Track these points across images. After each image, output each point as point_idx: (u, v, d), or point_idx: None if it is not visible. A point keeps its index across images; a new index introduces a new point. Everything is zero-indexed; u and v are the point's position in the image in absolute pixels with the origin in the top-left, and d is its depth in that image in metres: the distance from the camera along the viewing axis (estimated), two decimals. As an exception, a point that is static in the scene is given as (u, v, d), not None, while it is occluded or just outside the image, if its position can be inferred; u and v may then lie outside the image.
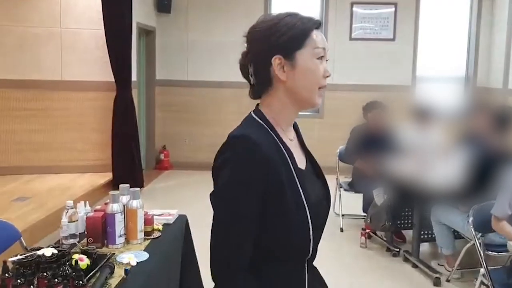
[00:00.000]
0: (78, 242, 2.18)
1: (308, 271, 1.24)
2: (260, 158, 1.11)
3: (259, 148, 1.11)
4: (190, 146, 7.10)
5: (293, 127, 1.30)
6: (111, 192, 2.17)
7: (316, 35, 1.20)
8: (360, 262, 3.99)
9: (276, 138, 1.19)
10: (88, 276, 1.76)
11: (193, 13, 6.92)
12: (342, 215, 4.81)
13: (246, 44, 1.24)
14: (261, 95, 1.25)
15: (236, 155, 1.12)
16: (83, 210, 2.31)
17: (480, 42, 6.99)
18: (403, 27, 6.93)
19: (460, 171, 3.42)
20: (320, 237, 1.25)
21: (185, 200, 5.36)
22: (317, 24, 1.21)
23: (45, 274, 1.63)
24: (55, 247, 1.96)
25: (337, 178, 4.94)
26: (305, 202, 1.16)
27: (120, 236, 2.16)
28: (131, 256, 2.00)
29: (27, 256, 1.86)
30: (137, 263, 1.98)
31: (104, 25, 5.26)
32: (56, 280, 1.57)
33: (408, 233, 4.28)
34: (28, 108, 5.62)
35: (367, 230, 4.33)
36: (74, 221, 2.19)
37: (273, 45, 1.17)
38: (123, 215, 2.16)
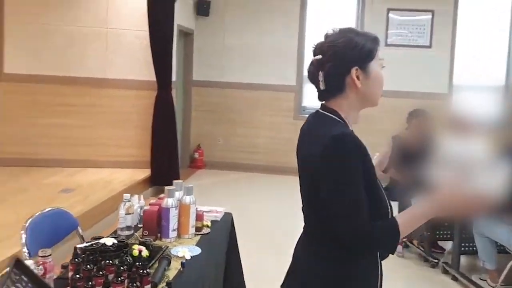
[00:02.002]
0: (133, 234, 2.32)
1: None
2: (359, 148, 1.36)
3: (357, 141, 1.36)
4: (224, 146, 7.24)
5: None
6: (167, 188, 2.29)
7: (379, 49, 1.47)
8: (397, 271, 3.97)
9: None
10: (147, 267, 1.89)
11: (230, 16, 7.06)
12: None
13: (319, 55, 1.44)
14: (329, 99, 1.46)
15: (343, 148, 1.34)
16: (137, 203, 2.45)
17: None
18: (440, 34, 6.90)
19: (505, 181, 3.40)
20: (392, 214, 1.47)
21: (218, 199, 5.49)
22: (379, 41, 1.48)
23: (110, 261, 1.76)
24: (114, 237, 2.10)
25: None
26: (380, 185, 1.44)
27: (173, 230, 2.28)
28: (185, 250, 2.12)
29: (92, 244, 2.00)
30: (191, 257, 2.10)
31: (149, 27, 5.44)
32: (122, 267, 1.70)
33: (446, 244, 4.26)
34: (73, 104, 5.86)
35: (404, 239, 4.31)
36: (130, 214, 2.33)
37: (352, 59, 1.41)
38: (177, 210, 2.29)
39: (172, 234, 2.28)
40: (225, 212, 2.72)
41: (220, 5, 7.08)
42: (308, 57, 6.88)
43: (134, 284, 1.63)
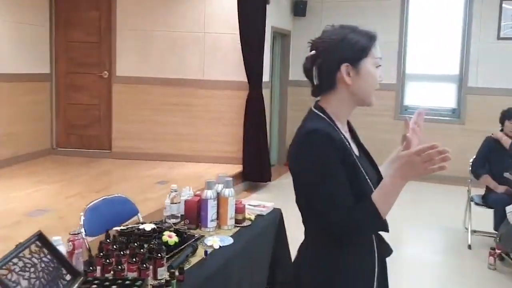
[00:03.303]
0: (179, 222, 2.48)
1: (375, 235, 1.46)
2: (332, 141, 1.35)
3: (330, 135, 1.36)
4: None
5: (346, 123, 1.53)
6: (207, 180, 2.42)
7: (375, 47, 1.44)
8: (488, 285, 3.66)
9: (336, 128, 1.43)
10: (172, 252, 2.03)
11: (327, 16, 7.01)
12: (472, 231, 4.46)
13: (312, 50, 1.45)
14: (322, 94, 1.47)
15: (314, 143, 1.35)
16: (187, 194, 2.61)
17: None
18: None
19: None
20: None
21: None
22: (375, 38, 1.45)
23: (136, 244, 1.93)
24: (156, 224, 2.29)
25: (468, 190, 4.60)
26: (368, 178, 1.41)
27: (212, 220, 2.40)
28: (216, 239, 2.22)
29: (132, 228, 2.21)
30: (220, 246, 2.19)
31: (240, 30, 5.67)
32: (141, 250, 1.85)
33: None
34: (174, 103, 6.34)
35: (498, 251, 3.94)
36: (175, 203, 2.49)
37: (343, 55, 1.41)
38: (215, 201, 2.40)
39: (211, 224, 2.39)
40: (274, 208, 2.76)
41: (317, 5, 7.06)
42: (411, 54, 6.57)
43: (145, 265, 1.77)
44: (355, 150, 1.49)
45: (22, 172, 5.54)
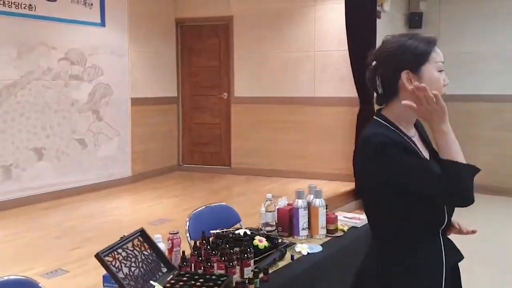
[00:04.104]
0: (274, 230, 2.61)
1: (443, 241, 1.47)
2: (389, 141, 1.40)
3: (388, 136, 1.42)
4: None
5: (415, 126, 1.56)
6: (297, 189, 2.52)
7: (436, 51, 1.46)
8: None
9: (399, 133, 1.47)
10: (261, 256, 2.16)
11: (446, 27, 6.69)
12: None
13: (373, 61, 1.51)
14: (386, 102, 1.51)
15: (377, 144, 1.40)
16: (283, 203, 2.74)
17: None
18: None
19: None
20: (452, 212, 1.49)
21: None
22: (435, 43, 1.47)
23: (227, 245, 2.10)
24: (250, 230, 2.45)
25: None
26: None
27: (303, 229, 2.48)
28: (304, 246, 2.30)
29: (227, 231, 2.40)
30: (308, 253, 2.27)
31: (349, 45, 5.70)
32: (231, 251, 2.02)
33: None
34: (288, 121, 6.56)
35: None
36: (270, 211, 2.63)
37: (402, 62, 1.44)
38: (306, 211, 2.49)
39: (302, 232, 2.48)
40: (369, 220, 2.75)
41: (434, 16, 6.79)
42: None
43: (231, 264, 1.93)
44: (424, 153, 1.51)
45: (150, 186, 6.18)
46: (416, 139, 1.52)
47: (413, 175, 1.38)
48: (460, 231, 1.56)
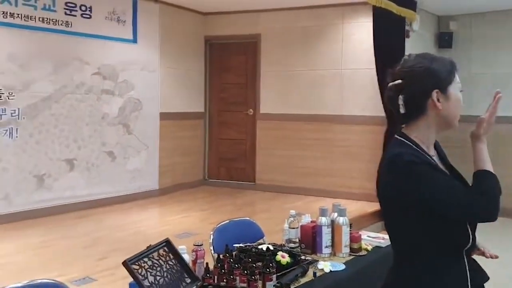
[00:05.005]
0: (297, 247, 2.62)
1: (468, 261, 1.48)
2: (418, 160, 1.44)
3: (414, 155, 1.45)
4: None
5: (434, 146, 1.58)
6: (321, 207, 2.53)
7: (457, 72, 1.53)
8: None
9: (421, 151, 1.49)
10: (283, 271, 2.17)
11: (478, 46, 6.63)
12: None
13: (399, 80, 1.52)
14: (408, 121, 1.53)
15: (403, 164, 1.43)
16: (306, 220, 2.75)
17: None
18: None
19: None
20: (475, 231, 1.49)
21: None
22: (456, 65, 1.54)
23: (250, 259, 2.13)
24: (273, 245, 2.47)
25: None
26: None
27: (327, 246, 2.49)
28: (327, 264, 2.31)
29: (250, 246, 2.43)
30: (330, 271, 2.27)
31: (376, 65, 5.71)
32: (254, 265, 2.05)
33: None
34: (313, 138, 6.57)
35: None
36: (293, 228, 2.65)
37: (433, 82, 1.48)
38: (329, 228, 2.49)
39: (326, 250, 2.48)
40: (393, 240, 2.73)
41: (465, 35, 6.73)
42: None
43: (253, 277, 1.95)
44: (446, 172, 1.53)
45: (177, 199, 6.27)
46: (436, 158, 1.55)
47: (443, 191, 1.41)
48: (483, 254, 1.56)
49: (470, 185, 1.54)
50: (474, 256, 1.56)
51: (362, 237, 2.63)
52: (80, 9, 5.49)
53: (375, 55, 5.75)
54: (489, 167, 1.47)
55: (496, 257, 1.55)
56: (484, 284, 1.54)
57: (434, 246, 1.45)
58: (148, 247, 1.85)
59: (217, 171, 7.31)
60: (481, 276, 1.49)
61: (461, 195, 1.41)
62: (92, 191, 5.64)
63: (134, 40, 6.14)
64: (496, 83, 6.48)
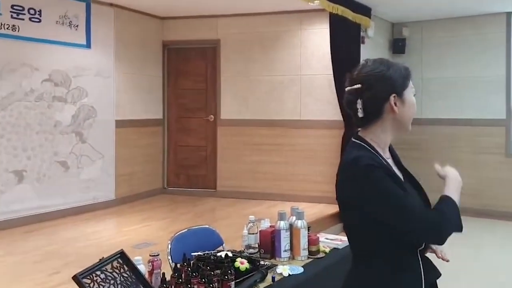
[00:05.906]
0: (256, 252, 2.58)
1: (422, 259, 1.51)
2: (376, 164, 1.46)
3: (374, 159, 1.46)
4: (424, 185, 6.87)
5: (389, 149, 1.62)
6: (279, 211, 2.51)
7: (411, 77, 1.57)
8: None
9: (376, 154, 1.51)
10: (242, 278, 2.13)
11: (428, 53, 6.86)
12: None
13: (358, 84, 1.52)
14: (365, 125, 1.54)
15: (362, 169, 1.44)
16: (265, 225, 2.72)
17: None
18: None
19: None
20: None
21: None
22: (410, 69, 1.58)
23: (208, 267, 2.07)
24: (232, 252, 2.42)
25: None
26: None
27: (285, 250, 2.47)
28: (286, 268, 2.29)
29: (208, 254, 2.37)
30: (289, 274, 2.25)
31: (333, 71, 5.79)
32: (212, 273, 1.99)
33: None
34: (274, 143, 6.58)
35: None
36: (253, 234, 2.61)
37: (391, 86, 1.51)
38: (288, 232, 2.47)
39: (284, 254, 2.46)
40: (352, 242, 2.74)
41: (417, 42, 6.95)
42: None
43: (211, 285, 1.90)
44: (399, 175, 1.56)
45: (134, 209, 6.10)
46: (391, 161, 1.58)
47: (393, 206, 1.43)
48: (435, 252, 1.58)
49: (421, 185, 1.60)
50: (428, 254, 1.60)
51: (320, 239, 2.63)
52: (29, 12, 5.27)
53: (332, 61, 5.83)
54: (455, 197, 1.50)
55: (447, 261, 1.57)
56: (437, 281, 1.59)
57: (390, 247, 1.48)
58: (100, 259, 1.76)
59: (177, 178, 7.19)
60: (433, 273, 1.53)
61: (411, 214, 1.42)
62: (43, 203, 5.40)
63: (88, 45, 5.96)
64: (445, 87, 6.73)
